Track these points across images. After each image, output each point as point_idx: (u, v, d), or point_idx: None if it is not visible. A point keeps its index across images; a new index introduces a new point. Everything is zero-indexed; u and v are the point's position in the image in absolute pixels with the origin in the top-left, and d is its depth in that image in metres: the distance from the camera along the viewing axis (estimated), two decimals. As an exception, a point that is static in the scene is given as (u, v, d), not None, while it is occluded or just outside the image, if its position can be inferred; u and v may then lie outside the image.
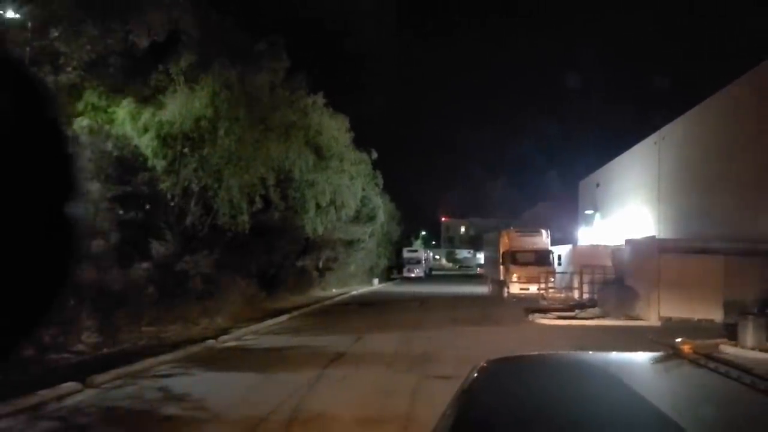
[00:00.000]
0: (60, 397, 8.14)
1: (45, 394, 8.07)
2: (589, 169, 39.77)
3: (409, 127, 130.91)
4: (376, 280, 44.47)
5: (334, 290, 33.30)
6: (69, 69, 10.66)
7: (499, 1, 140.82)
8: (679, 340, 1.95)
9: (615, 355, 2.26)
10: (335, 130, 27.26)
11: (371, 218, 36.02)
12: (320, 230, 27.34)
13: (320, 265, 32.44)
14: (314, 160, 24.16)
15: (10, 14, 10.40)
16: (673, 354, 1.91)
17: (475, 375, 1.93)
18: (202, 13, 12.67)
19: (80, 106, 12.22)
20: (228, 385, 9.45)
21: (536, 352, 2.48)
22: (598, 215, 35.99)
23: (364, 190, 33.73)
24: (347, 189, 29.52)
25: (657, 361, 1.94)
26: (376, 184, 36.89)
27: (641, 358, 2.07)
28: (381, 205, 38.30)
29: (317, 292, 30.44)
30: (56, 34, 9.78)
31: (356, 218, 33.10)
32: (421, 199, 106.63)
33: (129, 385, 9.22)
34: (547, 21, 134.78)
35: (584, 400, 1.60)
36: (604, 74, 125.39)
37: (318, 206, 26.25)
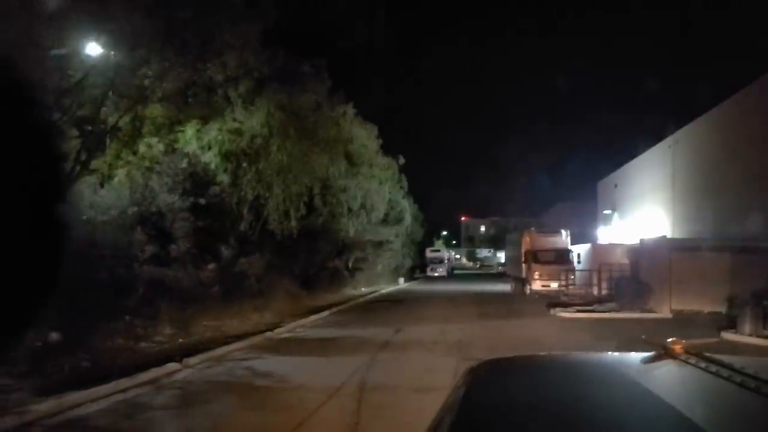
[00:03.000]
0: (168, 374, 10.01)
1: (157, 371, 9.94)
2: (608, 170, 41.12)
3: (426, 127, 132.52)
4: (401, 279, 46.17)
5: (363, 289, 34.96)
6: (155, 100, 12.57)
7: (527, 4, 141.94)
8: (670, 339, 1.97)
9: (606, 356, 2.30)
10: (365, 138, 29.04)
11: (399, 220, 37.85)
12: (351, 232, 29.19)
13: (350, 265, 34.17)
14: (346, 166, 26.00)
15: (94, 50, 12.33)
16: (664, 354, 1.92)
17: (468, 377, 1.94)
18: (259, 47, 14.50)
19: (150, 127, 14.06)
20: (299, 365, 11.27)
21: (529, 353, 2.53)
22: (616, 215, 37.31)
23: (390, 193, 35.51)
24: (376, 193, 31.34)
25: (648, 360, 1.94)
26: (401, 187, 38.68)
27: (632, 358, 2.08)
28: (408, 208, 40.09)
29: (349, 291, 32.13)
30: (149, 72, 11.65)
31: (385, 220, 34.90)
32: (440, 199, 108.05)
33: (217, 366, 11.08)
34: (560, 27, 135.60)
35: (575, 401, 1.63)
36: (622, 76, 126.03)
37: (349, 210, 28.08)
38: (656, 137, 30.79)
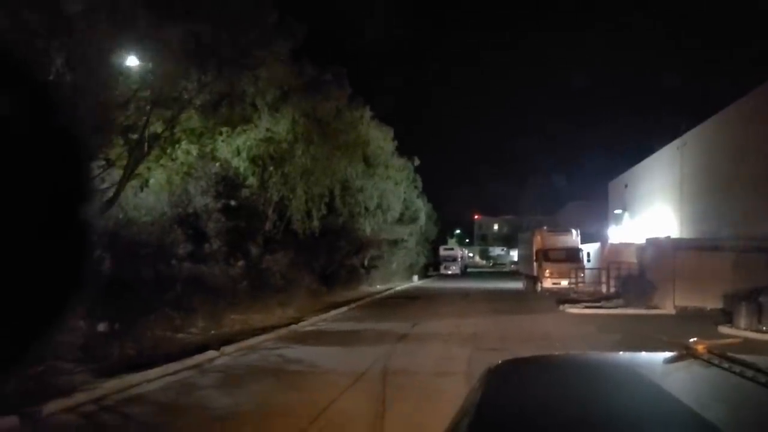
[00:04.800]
0: (209, 360, 11.11)
1: (198, 357, 11.04)
2: (620, 170, 41.74)
3: (440, 127, 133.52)
4: (415, 277, 47.12)
5: (378, 286, 35.85)
6: (192, 111, 13.67)
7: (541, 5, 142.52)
8: (692, 340, 1.95)
9: (628, 356, 2.29)
10: (381, 140, 30.05)
11: (414, 219, 38.89)
12: (368, 231, 30.26)
13: (366, 263, 35.16)
14: (363, 167, 27.07)
15: (133, 62, 13.42)
16: (686, 354, 1.91)
17: (485, 378, 1.94)
18: (289, 61, 15.57)
19: (189, 136, 15.11)
20: (325, 354, 12.31)
21: (549, 353, 2.54)
22: (626, 215, 38.02)
23: (405, 193, 36.53)
24: (392, 193, 32.39)
25: (670, 361, 1.93)
26: (416, 187, 39.67)
27: (654, 358, 2.07)
28: (422, 207, 41.11)
29: (365, 288, 33.09)
30: (189, 86, 12.75)
31: (400, 220, 35.93)
32: (454, 198, 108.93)
33: (251, 354, 12.16)
34: (574, 30, 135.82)
35: (594, 403, 1.62)
36: (635, 78, 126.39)
37: (366, 209, 29.14)
38: (669, 138, 31.44)
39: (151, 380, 9.25)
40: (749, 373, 1.60)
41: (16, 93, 0.91)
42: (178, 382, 9.30)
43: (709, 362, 1.80)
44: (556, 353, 2.66)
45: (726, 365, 1.72)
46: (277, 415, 7.37)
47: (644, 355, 2.21)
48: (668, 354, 1.98)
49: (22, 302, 0.90)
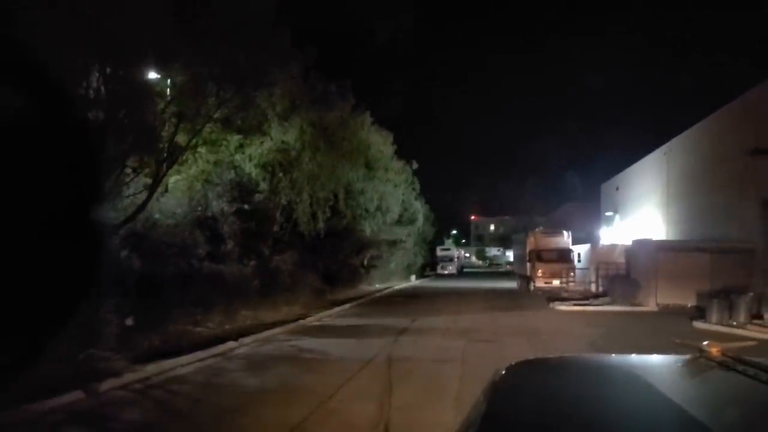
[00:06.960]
0: (230, 350, 12.36)
1: (221, 347, 12.29)
2: (611, 173, 43.00)
3: (437, 127, 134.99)
4: (413, 277, 48.41)
5: (377, 285, 37.08)
6: (212, 124, 14.92)
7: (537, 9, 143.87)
8: (706, 342, 1.95)
9: (641, 358, 2.29)
10: (381, 144, 31.30)
11: (412, 221, 40.17)
12: (368, 232, 31.52)
13: (366, 263, 36.40)
14: (364, 171, 28.33)
15: (154, 75, 14.65)
16: (700, 356, 1.90)
17: (499, 378, 1.95)
18: (300, 79, 16.84)
19: (208, 146, 16.30)
20: (334, 344, 13.54)
21: (559, 355, 2.57)
22: (617, 216, 39.36)
23: (404, 195, 37.79)
24: (391, 195, 33.65)
25: (684, 363, 1.91)
26: (414, 189, 40.95)
27: (667, 360, 2.06)
28: (420, 209, 42.40)
29: (365, 287, 34.32)
30: (209, 102, 14.00)
31: (399, 221, 37.21)
32: (450, 198, 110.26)
33: (266, 344, 13.41)
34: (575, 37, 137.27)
35: (611, 403, 1.61)
36: (634, 81, 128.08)
37: (366, 211, 30.40)
38: (667, 140, 32.51)
39: (183, 365, 10.50)
40: (764, 376, 1.58)
41: (57, 108, 0.92)
42: (208, 367, 10.56)
43: (723, 365, 1.79)
44: (564, 355, 2.60)
45: (740, 368, 1.71)
46: (299, 391, 8.63)
47: (658, 358, 2.21)
48: (682, 357, 1.99)
49: (50, 297, 0.92)
